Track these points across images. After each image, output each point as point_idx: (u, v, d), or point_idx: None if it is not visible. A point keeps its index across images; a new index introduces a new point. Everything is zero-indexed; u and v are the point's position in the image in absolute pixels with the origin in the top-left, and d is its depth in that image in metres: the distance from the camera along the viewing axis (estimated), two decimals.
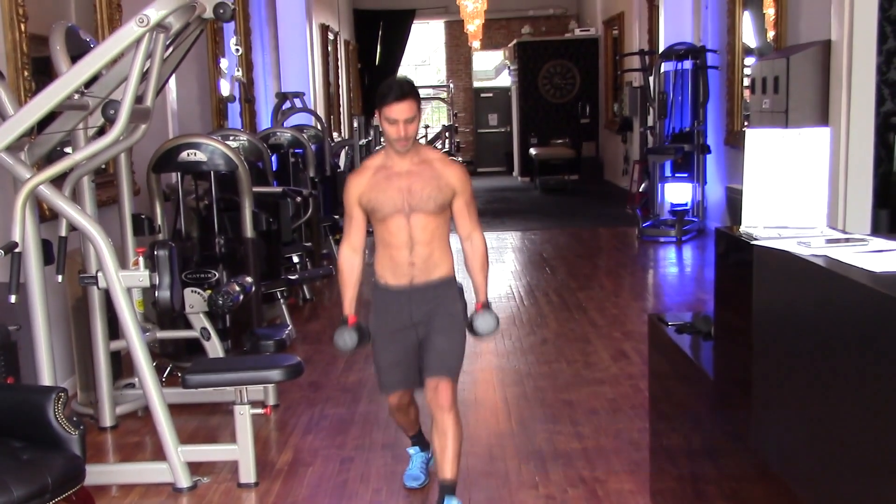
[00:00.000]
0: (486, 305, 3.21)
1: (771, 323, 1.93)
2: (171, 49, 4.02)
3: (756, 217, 2.22)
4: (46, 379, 3.45)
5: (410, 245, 3.10)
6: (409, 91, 3.00)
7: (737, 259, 2.14)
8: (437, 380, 3.09)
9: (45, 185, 3.24)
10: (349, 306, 3.25)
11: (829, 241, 1.86)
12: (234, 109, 8.53)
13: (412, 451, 3.49)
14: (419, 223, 3.08)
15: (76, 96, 3.30)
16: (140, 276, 3.36)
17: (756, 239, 1.95)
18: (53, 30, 3.78)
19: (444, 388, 3.09)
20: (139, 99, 3.31)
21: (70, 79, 3.01)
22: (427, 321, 3.14)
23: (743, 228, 2.14)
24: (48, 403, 2.81)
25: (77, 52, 3.69)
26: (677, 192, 9.30)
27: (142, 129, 3.45)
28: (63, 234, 3.52)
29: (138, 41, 3.06)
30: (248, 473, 3.44)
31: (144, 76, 3.33)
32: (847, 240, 1.85)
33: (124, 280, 3.34)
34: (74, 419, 2.95)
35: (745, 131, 7.85)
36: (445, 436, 3.08)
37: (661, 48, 9.93)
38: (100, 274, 3.39)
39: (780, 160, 2.20)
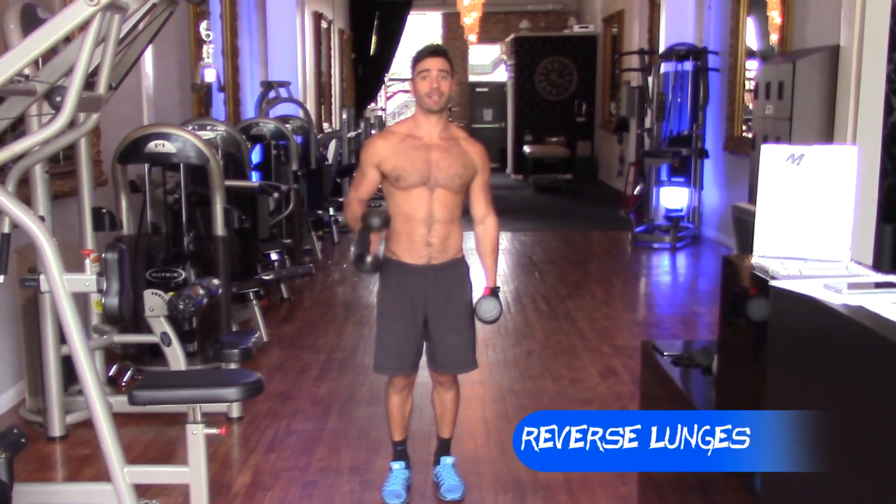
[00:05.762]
0: (494, 290, 3.24)
1: (790, 375, 1.65)
2: (137, 32, 3.73)
3: (770, 245, 1.94)
4: None
5: (430, 222, 3.10)
6: (444, 51, 3.13)
7: (749, 296, 1.86)
8: (445, 376, 3.30)
9: None
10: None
11: (857, 285, 1.58)
12: (219, 98, 8.22)
13: (396, 465, 3.35)
14: (441, 199, 3.09)
15: (20, 81, 2.99)
16: (86, 280, 3.06)
17: (775, 277, 1.67)
18: (9, 7, 3.48)
19: (448, 377, 3.31)
20: (91, 86, 3.01)
21: (6, 63, 2.71)
22: (441, 309, 3.17)
23: (756, 259, 1.86)
24: None
25: None
26: (673, 197, 9.04)
27: (93, 118, 3.14)
28: (6, 230, 3.21)
29: (87, 22, 2.75)
30: (199, 498, 3.13)
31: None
32: (880, 284, 1.58)
33: (69, 284, 3.03)
34: (15, 430, 2.74)
35: (748, 138, 7.56)
36: (445, 404, 3.35)
37: (662, 48, 9.66)
38: (42, 276, 3.08)
39: (800, 181, 1.93)
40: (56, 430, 3.83)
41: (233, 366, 3.91)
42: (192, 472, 3.13)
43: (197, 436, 3.11)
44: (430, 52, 3.07)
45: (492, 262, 3.27)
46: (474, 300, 3.23)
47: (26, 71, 3.09)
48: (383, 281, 3.20)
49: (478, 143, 3.22)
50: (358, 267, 3.04)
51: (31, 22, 3.68)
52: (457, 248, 3.20)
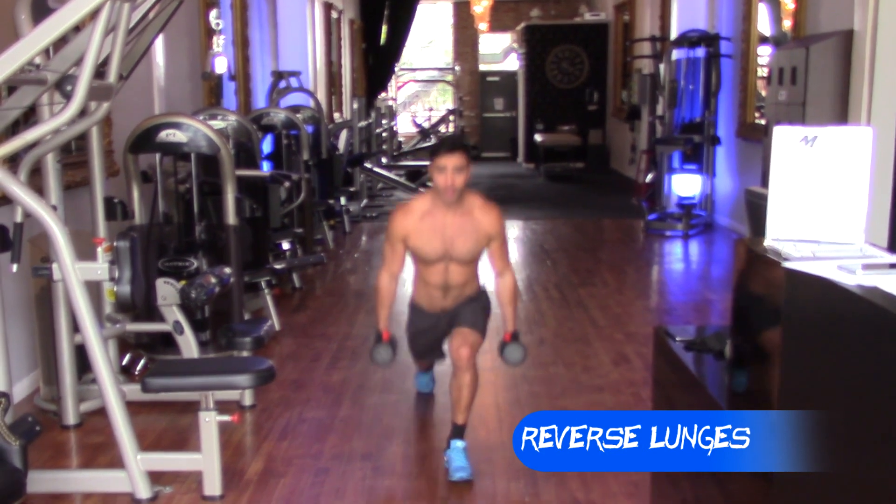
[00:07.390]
0: (515, 336, 3.55)
1: (804, 356, 1.64)
2: (147, 21, 3.73)
3: (783, 228, 1.92)
4: None
5: (445, 288, 3.52)
6: (460, 145, 3.37)
7: (762, 279, 1.84)
8: (463, 330, 3.46)
9: None
10: (384, 323, 3.59)
11: (872, 265, 1.56)
12: (230, 88, 8.22)
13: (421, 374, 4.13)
14: (455, 270, 3.48)
15: (31, 70, 3.00)
16: (98, 268, 3.07)
17: (787, 259, 1.66)
18: None
19: (466, 346, 3.40)
20: (101, 75, 3.01)
21: (17, 52, 2.71)
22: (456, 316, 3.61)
23: (769, 242, 1.85)
24: None
25: None
26: (685, 185, 8.99)
27: (104, 107, 3.15)
28: (19, 220, 3.23)
29: (97, 11, 2.76)
30: (212, 485, 3.16)
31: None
32: (895, 265, 1.56)
33: (81, 272, 3.05)
34: (30, 419, 2.77)
35: (761, 124, 7.50)
36: (461, 389, 3.43)
37: (673, 35, 9.60)
38: (55, 265, 3.10)
39: (814, 163, 1.91)
40: (70, 418, 3.85)
41: (245, 354, 3.92)
42: (205, 460, 3.16)
43: (210, 423, 3.13)
44: (448, 148, 3.29)
45: (510, 310, 3.55)
46: (499, 347, 3.60)
47: (37, 60, 3.10)
48: (409, 315, 3.75)
49: (492, 211, 3.45)
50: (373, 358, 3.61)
51: (41, 11, 3.68)
52: (472, 289, 3.60)
